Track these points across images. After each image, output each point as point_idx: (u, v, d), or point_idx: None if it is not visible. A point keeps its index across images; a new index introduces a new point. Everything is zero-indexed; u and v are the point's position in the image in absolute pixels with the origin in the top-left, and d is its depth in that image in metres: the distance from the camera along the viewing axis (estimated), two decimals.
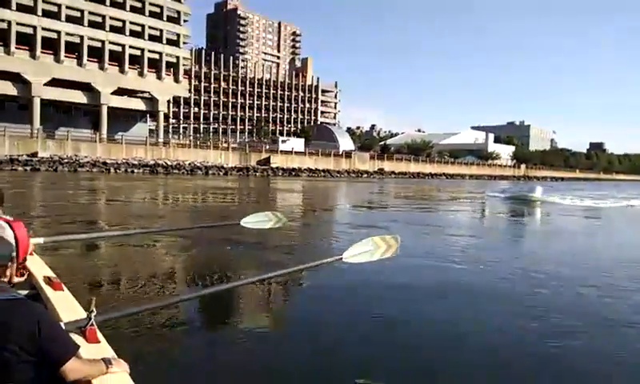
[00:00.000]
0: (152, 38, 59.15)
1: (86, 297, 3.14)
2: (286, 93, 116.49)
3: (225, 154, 61.03)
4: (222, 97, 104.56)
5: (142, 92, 60.10)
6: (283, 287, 7.22)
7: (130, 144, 53.62)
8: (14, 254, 2.04)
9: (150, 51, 58.88)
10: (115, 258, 8.88)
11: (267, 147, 69.86)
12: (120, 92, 57.24)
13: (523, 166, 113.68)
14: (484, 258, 9.78)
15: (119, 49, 56.48)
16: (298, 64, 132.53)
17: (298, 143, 74.31)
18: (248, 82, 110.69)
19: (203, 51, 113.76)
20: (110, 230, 11.03)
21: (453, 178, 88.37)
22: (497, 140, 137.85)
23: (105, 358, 2.22)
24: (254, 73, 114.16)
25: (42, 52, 51.14)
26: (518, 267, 9.08)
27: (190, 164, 55.17)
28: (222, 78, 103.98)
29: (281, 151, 68.71)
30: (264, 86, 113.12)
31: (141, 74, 58.80)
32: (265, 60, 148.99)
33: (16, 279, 2.11)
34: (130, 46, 57.19)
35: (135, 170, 49.96)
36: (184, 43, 63.25)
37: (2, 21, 48.22)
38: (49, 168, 45.02)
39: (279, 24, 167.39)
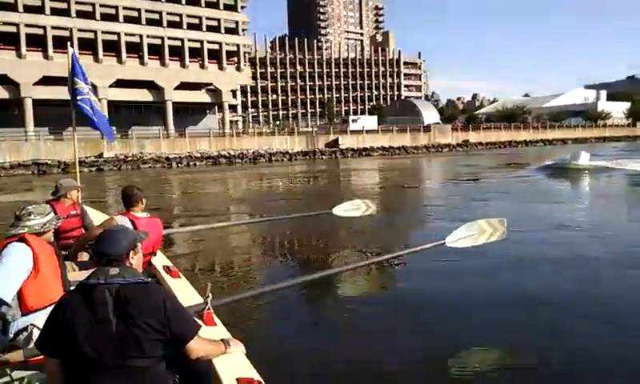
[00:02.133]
0: (210, 29, 58.59)
1: (200, 284, 3.59)
2: (366, 70, 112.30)
3: (290, 138, 59.19)
4: (299, 81, 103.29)
5: (206, 84, 59.89)
6: (385, 273, 7.14)
7: (195, 137, 53.59)
8: (136, 245, 2.32)
9: (209, 42, 58.41)
10: (222, 247, 9.28)
11: (338, 128, 67.08)
12: (183, 86, 57.42)
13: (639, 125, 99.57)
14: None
15: (178, 43, 56.55)
16: (380, 39, 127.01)
17: (369, 121, 70.55)
18: (325, 63, 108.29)
19: (286, 38, 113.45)
20: (214, 222, 11.14)
21: (552, 144, 79.42)
22: (613, 98, 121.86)
23: (223, 339, 2.51)
24: (338, 53, 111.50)
25: (104, 55, 52.48)
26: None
27: (253, 152, 54.11)
28: (297, 62, 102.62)
29: (350, 131, 65.46)
30: (342, 66, 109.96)
31: (202, 66, 58.59)
32: (348, 39, 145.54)
33: (140, 269, 2.37)
34: (189, 39, 57.05)
35: (197, 163, 49.73)
36: (243, 30, 62.06)
37: (65, 29, 49.98)
38: (113, 167, 46.16)
39: (360, 0, 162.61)
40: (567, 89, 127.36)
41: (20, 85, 48.79)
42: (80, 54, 51.23)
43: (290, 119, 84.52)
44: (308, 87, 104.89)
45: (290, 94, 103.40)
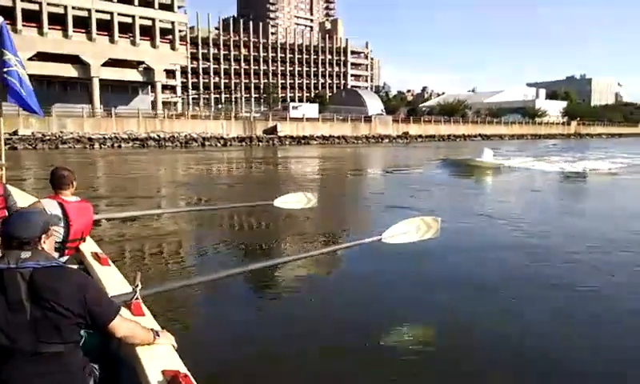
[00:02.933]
0: (143, 4, 55.53)
1: (130, 272, 3.45)
2: (312, 57, 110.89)
3: (227, 123, 57.24)
4: (243, 65, 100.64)
5: (138, 62, 56.89)
6: (322, 266, 7.12)
7: (122, 117, 50.76)
8: (48, 228, 2.19)
9: (141, 18, 55.37)
10: (154, 235, 8.92)
11: (278, 115, 65.60)
12: (112, 63, 54.25)
13: (574, 123, 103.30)
14: None
15: (107, 17, 53.29)
16: (328, 26, 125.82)
17: (310, 109, 69.37)
18: (270, 48, 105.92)
19: (231, 20, 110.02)
20: (148, 209, 10.90)
21: (490, 139, 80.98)
22: (552, 96, 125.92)
23: (153, 329, 2.41)
24: (286, 38, 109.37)
25: (24, 25, 48.71)
26: None
27: (185, 136, 51.86)
28: (242, 44, 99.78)
29: (290, 118, 64.17)
30: (288, 51, 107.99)
31: (133, 42, 55.53)
32: (297, 24, 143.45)
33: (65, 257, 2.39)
34: (119, 13, 53.85)
35: (123, 145, 47.11)
36: (180, 7, 59.26)
37: None
38: (28, 146, 42.92)
39: None
40: (512, 86, 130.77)
41: None
42: None
43: (233, 103, 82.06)
44: (252, 71, 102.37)
45: (233, 77, 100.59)
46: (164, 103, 69.68)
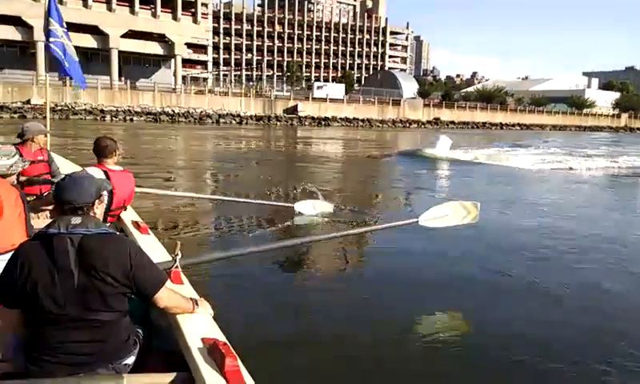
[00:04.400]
0: None
1: (169, 242, 3.60)
2: (349, 36, 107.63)
3: (245, 101, 55.84)
4: (276, 42, 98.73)
5: (158, 35, 56.02)
6: (357, 246, 7.14)
7: (139, 91, 50.18)
8: (102, 194, 2.23)
9: None
10: (191, 209, 9.04)
11: (303, 95, 63.69)
12: (132, 35, 53.61)
13: (625, 116, 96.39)
14: None
15: None
16: (370, 5, 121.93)
17: (336, 89, 66.89)
18: (306, 26, 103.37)
19: None
20: (187, 191, 11.23)
21: (530, 129, 76.47)
22: (607, 87, 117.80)
23: (192, 298, 2.45)
24: (329, 17, 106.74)
25: None
26: None
27: (200, 112, 50.80)
28: (276, 21, 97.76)
29: (314, 98, 62.10)
30: (323, 30, 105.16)
31: (154, 14, 54.65)
32: (340, 2, 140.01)
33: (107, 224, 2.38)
34: None
35: (135, 118, 46.52)
36: None
37: None
38: (37, 115, 42.80)
39: None
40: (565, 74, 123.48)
41: None
42: None
43: (262, 81, 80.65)
44: (286, 49, 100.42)
45: (266, 55, 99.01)
46: (195, 79, 69.07)
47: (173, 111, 49.05)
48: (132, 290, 2.08)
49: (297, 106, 58.37)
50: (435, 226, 5.09)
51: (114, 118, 45.40)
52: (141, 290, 2.10)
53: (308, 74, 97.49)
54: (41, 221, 4.00)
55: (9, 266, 2.05)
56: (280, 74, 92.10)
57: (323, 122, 58.67)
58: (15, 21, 47.66)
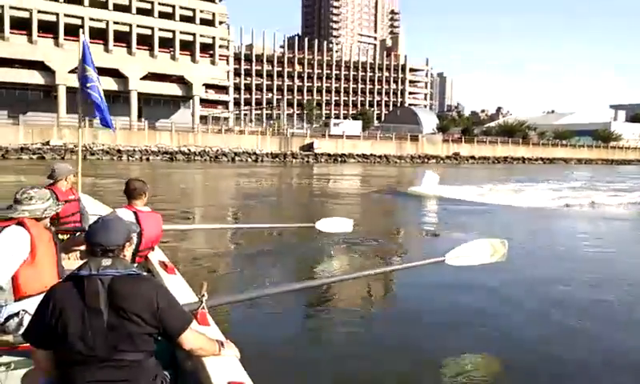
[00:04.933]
0: (184, 19, 56.08)
1: (195, 282, 3.38)
2: (368, 74, 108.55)
3: (261, 138, 56.24)
4: (296, 81, 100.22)
5: (178, 77, 57.40)
6: (383, 285, 7.20)
7: (156, 130, 51.11)
8: (131, 237, 2.30)
9: (182, 33, 55.91)
10: (215, 247, 9.05)
11: (318, 132, 63.94)
12: (151, 77, 55.04)
13: None
14: None
15: (148, 32, 54.22)
16: (390, 44, 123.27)
17: (353, 126, 67.02)
18: (325, 65, 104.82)
19: (296, 38, 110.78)
20: (207, 223, 11.40)
21: (552, 163, 74.79)
22: (635, 119, 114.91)
23: (218, 339, 2.46)
24: (348, 56, 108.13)
25: (65, 39, 50.45)
26: None
27: (216, 151, 51.28)
28: (295, 61, 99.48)
29: (330, 135, 62.19)
30: (342, 68, 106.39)
31: (173, 57, 56.13)
32: (360, 42, 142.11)
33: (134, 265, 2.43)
34: (160, 29, 54.65)
35: (151, 158, 47.17)
36: (221, 23, 59.43)
37: (26, 10, 48.01)
38: (56, 156, 43.77)
39: (376, 3, 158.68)
40: (590, 106, 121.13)
41: None
42: (39, 37, 49.48)
43: (280, 119, 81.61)
44: (305, 88, 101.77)
45: (286, 94, 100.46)
46: (216, 118, 70.30)
47: (189, 150, 49.62)
48: (159, 331, 2.11)
49: (312, 143, 58.51)
50: (462, 264, 5.00)
51: (130, 158, 46.06)
52: (167, 330, 2.12)
53: (328, 112, 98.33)
54: (71, 261, 4.15)
55: (41, 308, 2.10)
56: (300, 111, 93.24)
57: (339, 159, 58.51)
58: (39, 66, 49.53)
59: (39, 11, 48.71)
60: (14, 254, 2.86)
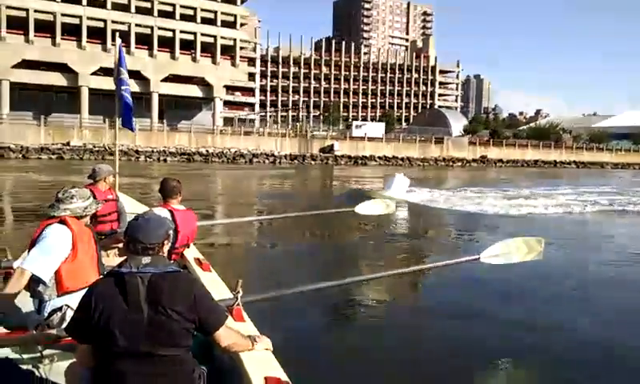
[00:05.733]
0: (205, 21, 56.34)
1: (230, 278, 3.53)
2: (397, 76, 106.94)
3: (281, 140, 55.91)
4: (323, 83, 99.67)
5: (198, 78, 57.68)
6: (418, 283, 7.33)
7: (175, 132, 51.47)
8: (169, 235, 2.32)
9: (203, 35, 56.18)
10: (249, 242, 9.21)
11: (341, 134, 63.19)
12: (172, 79, 55.47)
13: None
14: None
15: (170, 34, 54.68)
16: (420, 45, 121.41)
17: (375, 128, 66.03)
18: (352, 67, 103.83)
19: (323, 40, 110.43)
20: (245, 216, 11.41)
21: (587, 167, 71.69)
22: None
23: (251, 335, 2.55)
24: (377, 58, 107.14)
25: (88, 41, 51.38)
26: None
27: (234, 152, 51.23)
28: (322, 63, 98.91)
29: (351, 137, 61.36)
30: (371, 70, 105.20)
31: (194, 59, 56.45)
32: (392, 44, 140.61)
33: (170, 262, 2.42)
34: (182, 31, 55.04)
35: (169, 159, 47.48)
36: (242, 25, 59.45)
37: (49, 13, 49.15)
38: (75, 157, 44.56)
39: (408, 4, 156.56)
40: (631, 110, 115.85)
41: None
42: (62, 39, 50.56)
43: (306, 121, 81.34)
44: (332, 90, 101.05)
45: (312, 95, 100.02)
46: (242, 120, 70.49)
47: (207, 151, 49.71)
48: (195, 326, 2.15)
49: (333, 145, 57.82)
50: (497, 262, 4.93)
51: (147, 159, 46.39)
52: (204, 326, 2.17)
53: (355, 114, 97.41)
54: (110, 258, 4.31)
55: (83, 303, 2.16)
56: (327, 113, 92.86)
57: (360, 161, 57.59)
58: (63, 68, 50.59)
59: (62, 14, 49.71)
60: (57, 251, 2.98)
